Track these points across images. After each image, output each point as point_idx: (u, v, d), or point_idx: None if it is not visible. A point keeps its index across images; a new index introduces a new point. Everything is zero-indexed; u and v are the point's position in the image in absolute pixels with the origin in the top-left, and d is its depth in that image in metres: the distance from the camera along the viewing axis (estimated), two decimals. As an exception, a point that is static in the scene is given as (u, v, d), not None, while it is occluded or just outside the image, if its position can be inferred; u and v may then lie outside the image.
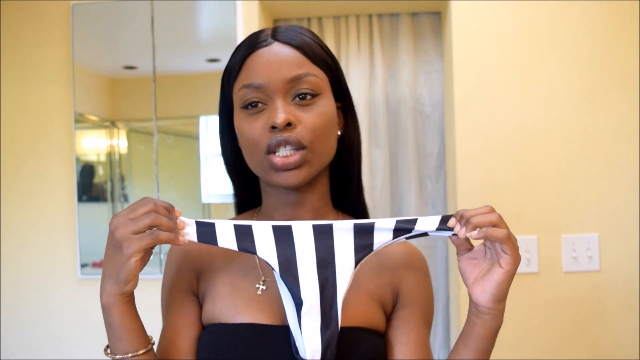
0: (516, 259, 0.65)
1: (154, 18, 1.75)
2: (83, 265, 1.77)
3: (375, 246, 0.69)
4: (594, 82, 1.64)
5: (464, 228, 0.65)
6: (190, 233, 0.67)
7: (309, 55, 0.73)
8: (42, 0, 1.82)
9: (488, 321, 0.68)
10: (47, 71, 1.82)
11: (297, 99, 0.72)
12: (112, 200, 1.81)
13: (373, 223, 0.68)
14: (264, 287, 0.76)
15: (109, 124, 1.83)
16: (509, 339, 1.62)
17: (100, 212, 1.81)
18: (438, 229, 0.68)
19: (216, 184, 1.78)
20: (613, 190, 1.63)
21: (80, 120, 1.80)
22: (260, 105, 0.72)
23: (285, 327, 0.72)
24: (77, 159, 1.80)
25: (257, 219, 0.84)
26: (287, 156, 0.71)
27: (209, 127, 1.80)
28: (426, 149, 2.03)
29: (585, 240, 1.63)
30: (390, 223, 0.68)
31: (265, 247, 0.68)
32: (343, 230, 0.68)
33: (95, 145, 1.83)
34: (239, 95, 0.74)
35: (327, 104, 0.74)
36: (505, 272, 0.65)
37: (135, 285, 0.66)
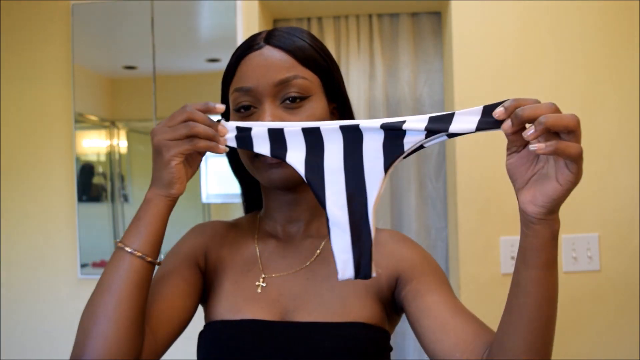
0: (579, 177, 0.54)
1: (154, 18, 1.75)
2: (83, 265, 1.77)
3: (406, 147, 0.62)
4: (594, 82, 1.64)
5: (528, 131, 0.53)
6: (230, 138, 0.68)
7: (299, 58, 0.74)
8: (42, 0, 1.82)
9: (541, 230, 0.58)
10: (47, 71, 1.82)
11: (287, 101, 0.73)
12: (112, 200, 1.81)
13: (403, 122, 0.61)
14: (263, 285, 0.78)
15: (109, 124, 1.83)
16: (509, 339, 1.62)
17: (100, 212, 1.81)
18: (480, 127, 0.57)
19: (216, 184, 1.78)
20: (613, 190, 1.63)
21: (80, 120, 1.80)
22: (252, 108, 0.75)
23: (285, 323, 0.73)
24: (77, 159, 1.80)
25: (260, 220, 0.86)
26: None
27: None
28: (426, 149, 2.03)
29: (585, 240, 1.63)
30: (422, 122, 0.60)
31: (295, 152, 0.67)
32: (371, 131, 0.64)
33: (95, 145, 1.83)
34: (232, 98, 0.77)
35: (317, 106, 0.75)
36: (564, 190, 0.55)
37: (181, 190, 0.68)
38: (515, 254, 1.62)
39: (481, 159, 1.66)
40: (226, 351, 0.73)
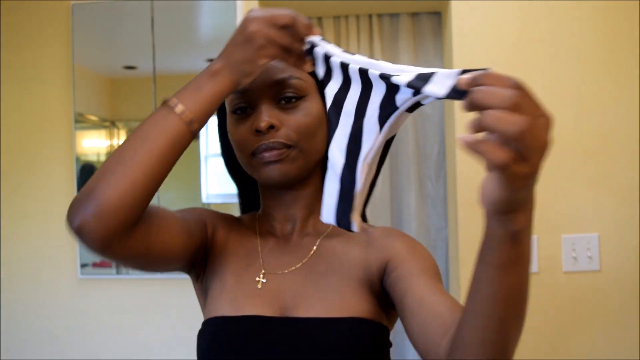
0: (510, 191, 0.43)
1: (154, 18, 1.75)
2: (83, 265, 1.77)
3: (398, 103, 0.59)
4: (594, 82, 1.64)
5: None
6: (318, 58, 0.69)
7: None
8: (42, 0, 1.82)
9: (494, 228, 0.48)
10: (47, 71, 1.82)
11: (283, 102, 0.75)
12: (112, 200, 1.81)
13: (394, 75, 0.58)
14: (264, 281, 0.78)
15: (109, 124, 1.83)
16: (509, 339, 1.62)
17: (100, 212, 1.81)
18: (449, 95, 0.49)
19: (216, 184, 1.78)
20: (613, 190, 1.63)
21: (80, 120, 1.80)
22: (248, 110, 0.76)
23: (285, 319, 0.74)
24: (77, 159, 1.80)
25: (259, 219, 0.87)
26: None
27: (209, 127, 1.79)
28: (426, 149, 2.03)
29: (585, 240, 1.63)
30: (409, 77, 0.55)
31: (333, 85, 0.68)
32: (377, 81, 0.61)
33: (95, 145, 1.83)
34: (228, 100, 0.78)
35: (312, 105, 0.77)
36: (502, 196, 0.43)
37: (248, 82, 0.69)
38: (515, 254, 1.62)
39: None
40: (227, 347, 0.73)
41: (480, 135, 0.41)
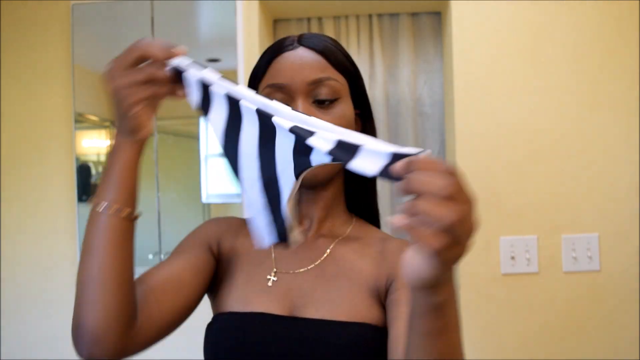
0: (439, 273, 0.45)
1: (154, 18, 1.75)
2: (83, 265, 1.77)
3: (313, 164, 0.55)
4: (594, 82, 1.64)
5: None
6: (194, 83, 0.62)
7: (331, 61, 0.77)
8: (42, 0, 1.82)
9: (418, 298, 0.50)
10: (47, 71, 1.82)
11: (317, 101, 0.76)
12: (112, 200, 1.81)
13: (311, 133, 0.53)
14: (274, 279, 0.78)
15: (109, 124, 1.83)
16: (509, 339, 1.62)
17: (100, 212, 1.81)
18: (382, 174, 0.47)
19: (216, 184, 1.78)
20: (613, 190, 1.63)
21: (80, 120, 1.80)
22: None
23: (294, 318, 0.74)
24: (77, 159, 1.79)
25: None
26: None
27: (209, 127, 1.79)
28: (426, 149, 2.03)
29: (585, 240, 1.63)
30: (329, 143, 0.51)
31: (216, 116, 0.63)
32: (283, 131, 0.56)
33: (95, 145, 1.83)
34: (262, 94, 0.76)
35: (345, 108, 0.78)
36: (426, 276, 0.45)
37: (149, 132, 0.64)
38: (515, 254, 1.62)
39: (481, 159, 1.66)
40: (234, 343, 0.73)
41: (413, 220, 0.42)
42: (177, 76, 0.62)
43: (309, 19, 2.03)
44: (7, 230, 1.83)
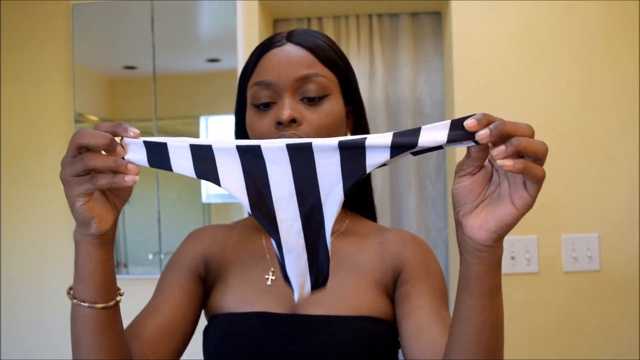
0: (534, 201, 0.53)
1: (154, 18, 1.75)
2: (83, 265, 1.77)
3: (369, 168, 0.56)
4: (594, 82, 1.64)
5: (496, 149, 0.51)
6: (140, 159, 0.57)
7: (320, 57, 0.76)
8: (42, 0, 1.82)
9: (487, 258, 0.55)
10: (47, 71, 1.82)
11: (306, 98, 0.74)
12: (112, 200, 1.81)
13: (364, 139, 0.55)
14: (273, 278, 0.78)
15: (109, 124, 1.82)
16: (508, 339, 1.62)
17: (100, 212, 1.81)
18: (451, 140, 0.53)
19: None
20: (613, 190, 1.63)
21: (80, 120, 1.80)
22: (271, 104, 0.75)
23: (296, 316, 0.74)
24: (77, 159, 1.79)
25: None
26: None
27: (209, 127, 1.79)
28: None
29: (585, 240, 1.63)
30: (387, 138, 0.54)
31: (230, 176, 0.58)
32: (326, 150, 0.56)
33: (95, 145, 1.83)
34: (250, 92, 0.77)
35: (334, 105, 0.76)
36: (519, 214, 0.53)
37: (103, 228, 0.58)
38: (514, 254, 1.62)
39: (481, 159, 1.66)
40: (236, 344, 0.72)
41: (511, 161, 0.50)
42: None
43: (309, 19, 2.03)
44: (7, 229, 1.83)
